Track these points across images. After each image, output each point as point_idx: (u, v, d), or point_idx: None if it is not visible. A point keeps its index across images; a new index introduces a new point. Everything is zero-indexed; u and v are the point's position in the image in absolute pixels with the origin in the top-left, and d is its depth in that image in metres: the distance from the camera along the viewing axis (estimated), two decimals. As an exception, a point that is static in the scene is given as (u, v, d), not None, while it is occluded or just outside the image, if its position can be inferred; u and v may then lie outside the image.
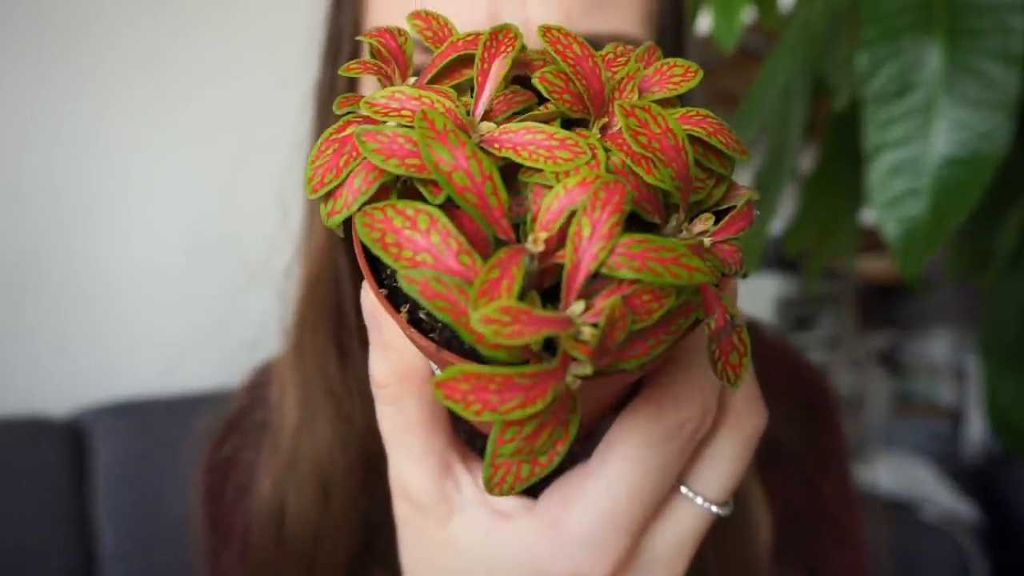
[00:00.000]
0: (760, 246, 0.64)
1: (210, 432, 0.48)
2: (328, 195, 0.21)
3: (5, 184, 1.11)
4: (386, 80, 0.23)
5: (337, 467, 0.40)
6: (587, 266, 0.18)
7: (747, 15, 0.55)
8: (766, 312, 1.77)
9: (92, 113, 1.20)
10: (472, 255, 0.18)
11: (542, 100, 0.23)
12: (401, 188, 0.21)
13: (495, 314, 0.16)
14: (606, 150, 0.20)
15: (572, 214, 0.18)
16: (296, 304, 0.42)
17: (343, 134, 0.21)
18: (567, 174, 0.19)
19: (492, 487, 0.20)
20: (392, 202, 0.19)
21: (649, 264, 0.18)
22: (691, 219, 0.22)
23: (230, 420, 0.47)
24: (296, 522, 0.40)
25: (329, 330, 0.40)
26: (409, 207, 0.19)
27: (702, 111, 0.22)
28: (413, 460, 0.26)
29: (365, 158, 0.20)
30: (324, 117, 0.43)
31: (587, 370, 0.18)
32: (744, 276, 0.22)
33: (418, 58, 0.25)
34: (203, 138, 1.30)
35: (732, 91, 2.08)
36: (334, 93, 0.41)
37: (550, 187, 0.19)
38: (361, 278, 0.23)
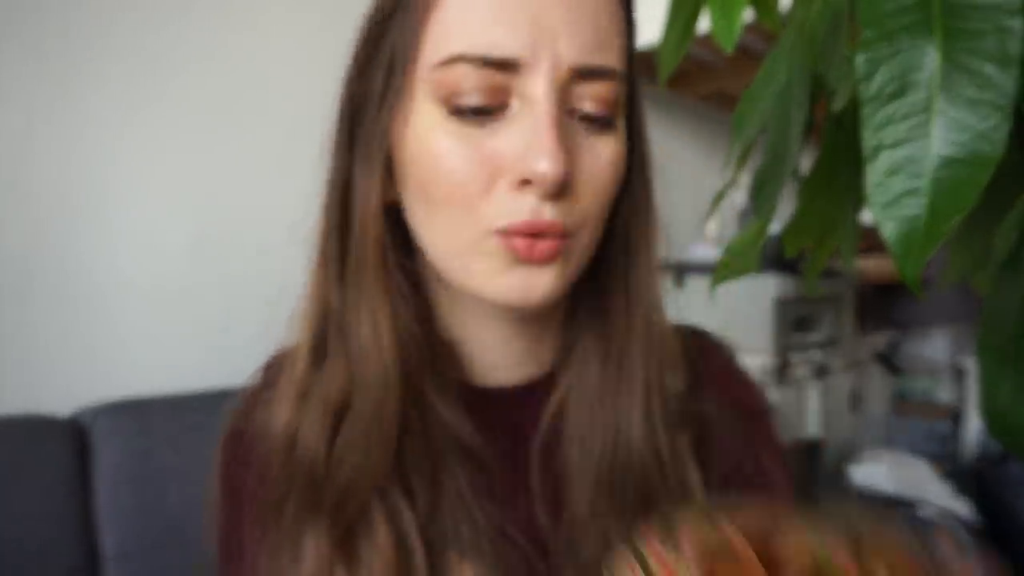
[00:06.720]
0: (759, 246, 0.64)
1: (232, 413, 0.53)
2: None
3: (8, 185, 1.12)
4: None
5: (347, 402, 0.45)
6: None
7: (747, 15, 0.55)
8: (766, 312, 1.77)
9: (94, 114, 1.20)
10: None
11: None
12: None
13: None
14: None
15: None
16: (324, 259, 0.47)
17: None
18: None
19: None
20: None
21: None
22: None
23: (247, 397, 0.53)
24: (306, 451, 0.45)
25: (380, 277, 0.45)
26: None
27: None
28: None
29: None
30: (350, 130, 0.45)
31: None
32: None
33: None
34: (203, 140, 1.31)
35: (732, 91, 2.09)
36: (365, 107, 0.44)
37: None
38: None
